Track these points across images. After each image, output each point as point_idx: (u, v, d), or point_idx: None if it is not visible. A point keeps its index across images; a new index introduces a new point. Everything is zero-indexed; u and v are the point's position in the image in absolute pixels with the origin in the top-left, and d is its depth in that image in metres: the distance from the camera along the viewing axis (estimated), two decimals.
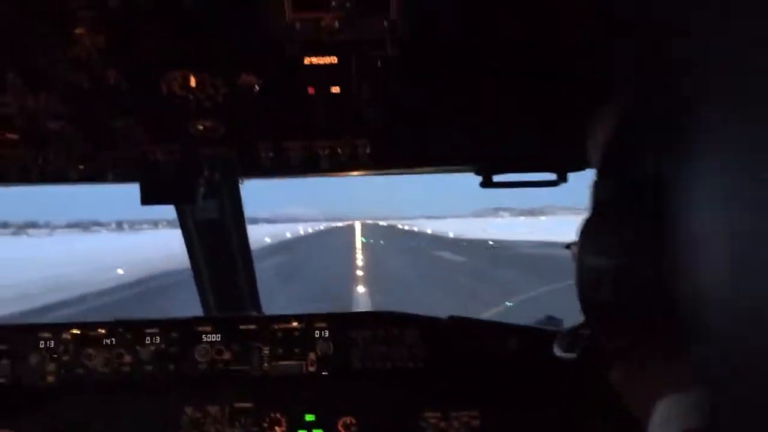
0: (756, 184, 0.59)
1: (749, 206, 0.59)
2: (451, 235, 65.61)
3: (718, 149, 0.66)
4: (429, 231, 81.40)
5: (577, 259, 1.10)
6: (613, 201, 1.07)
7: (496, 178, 2.21)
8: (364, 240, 55.40)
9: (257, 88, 1.77)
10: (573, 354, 1.45)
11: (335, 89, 1.78)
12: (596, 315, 1.08)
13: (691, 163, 0.73)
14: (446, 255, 34.22)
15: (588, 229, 1.09)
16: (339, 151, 2.06)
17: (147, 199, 2.13)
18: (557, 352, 1.43)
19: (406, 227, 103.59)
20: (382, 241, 55.96)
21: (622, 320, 1.03)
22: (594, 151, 1.18)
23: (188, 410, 2.63)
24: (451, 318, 2.72)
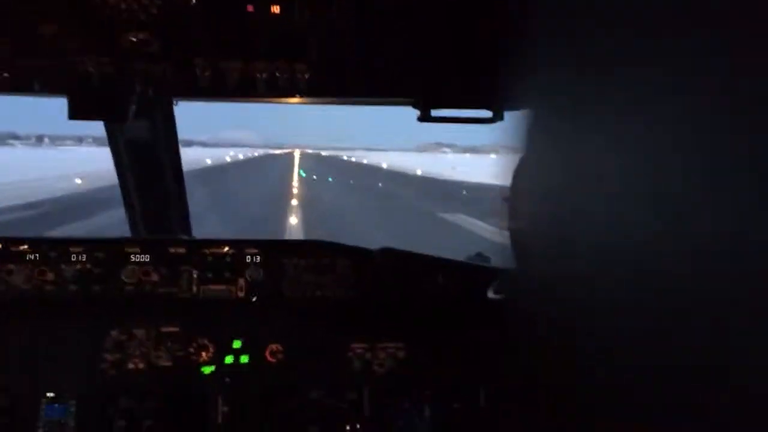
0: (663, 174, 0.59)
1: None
2: (418, 172, 56.05)
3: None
4: (384, 165, 74.40)
5: (510, 193, 1.19)
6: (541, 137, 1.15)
7: (434, 113, 2.24)
8: (302, 174, 47.01)
9: (194, 1, 1.74)
10: (503, 295, 1.55)
11: (275, 9, 1.78)
12: (526, 254, 1.16)
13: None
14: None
15: (521, 164, 1.16)
16: (277, 75, 2.05)
17: (75, 113, 2.09)
18: (490, 294, 1.51)
19: (352, 159, 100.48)
20: (322, 177, 48.55)
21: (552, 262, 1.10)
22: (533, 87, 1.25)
23: (113, 333, 2.63)
24: (383, 250, 2.79)
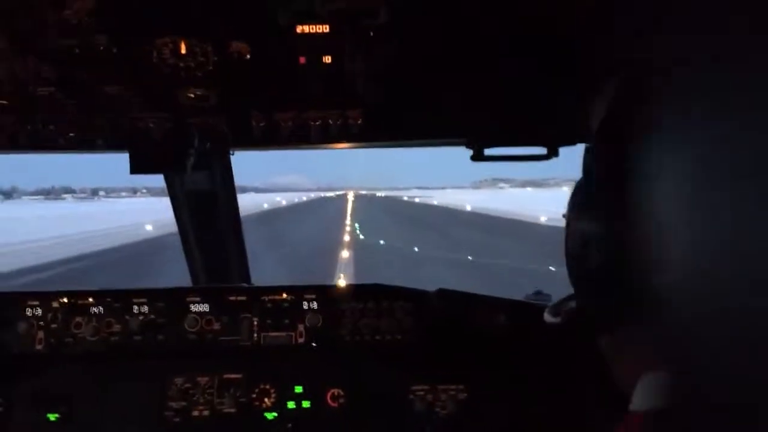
0: (715, 183, 0.62)
1: (705, 204, 0.63)
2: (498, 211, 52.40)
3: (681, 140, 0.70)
4: (435, 202, 75.24)
5: (566, 224, 1.21)
6: (602, 169, 1.20)
7: (487, 152, 2.28)
8: (359, 232, 32.54)
9: (248, 56, 1.86)
10: (558, 319, 1.58)
11: (327, 59, 1.85)
12: (583, 281, 1.18)
13: (654, 151, 0.78)
14: None
15: (577, 195, 1.19)
16: (330, 122, 2.13)
17: (137, 167, 2.20)
18: (546, 318, 1.55)
19: (415, 199, 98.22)
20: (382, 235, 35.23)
21: (606, 287, 1.10)
22: (587, 121, 1.31)
23: (177, 381, 2.75)
24: (440, 291, 2.84)
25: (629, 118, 1.11)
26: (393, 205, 77.50)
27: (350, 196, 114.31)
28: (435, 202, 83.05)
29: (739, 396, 0.60)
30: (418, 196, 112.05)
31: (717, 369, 0.64)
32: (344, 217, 47.01)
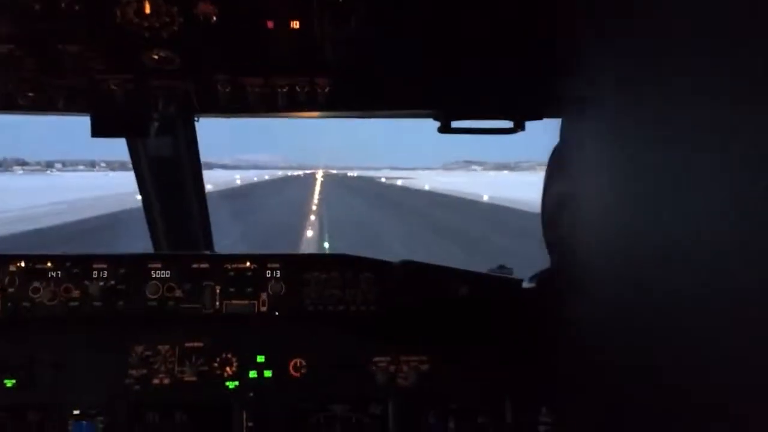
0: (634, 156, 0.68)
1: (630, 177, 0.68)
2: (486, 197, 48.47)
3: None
4: (426, 187, 67.47)
5: (543, 185, 1.31)
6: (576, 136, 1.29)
7: (454, 124, 2.35)
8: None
9: (215, 19, 1.88)
10: (534, 284, 1.66)
11: (295, 24, 1.87)
12: (557, 239, 1.27)
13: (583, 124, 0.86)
14: None
15: (554, 158, 1.29)
16: (297, 89, 2.16)
17: (98, 130, 2.23)
18: (525, 285, 1.60)
19: (397, 182, 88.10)
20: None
21: (571, 243, 1.16)
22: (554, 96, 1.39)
23: (138, 348, 2.79)
24: (404, 262, 2.91)
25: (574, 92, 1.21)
26: (370, 188, 69.70)
27: (319, 176, 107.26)
28: (427, 187, 70.19)
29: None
30: (400, 178, 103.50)
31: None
32: (307, 211, 33.97)
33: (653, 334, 0.64)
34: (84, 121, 2.28)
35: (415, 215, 34.44)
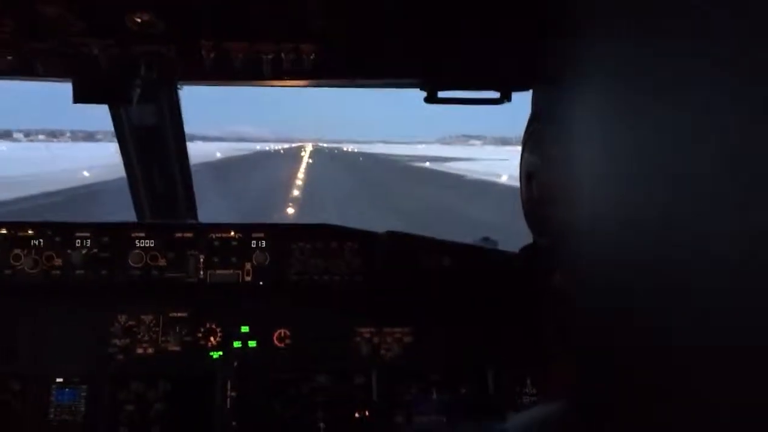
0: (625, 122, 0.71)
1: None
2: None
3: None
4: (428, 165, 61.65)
5: (520, 157, 1.43)
6: (541, 110, 1.37)
7: (441, 94, 2.48)
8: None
9: None
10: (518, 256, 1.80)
11: None
12: (538, 212, 1.38)
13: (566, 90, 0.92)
14: None
15: (528, 132, 1.40)
16: (283, 56, 2.26)
17: (80, 97, 2.34)
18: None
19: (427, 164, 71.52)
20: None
21: (549, 216, 1.28)
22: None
23: (121, 318, 2.96)
24: (389, 233, 3.08)
25: (562, 62, 1.40)
26: (383, 173, 54.74)
27: (306, 153, 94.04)
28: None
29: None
30: (425, 159, 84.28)
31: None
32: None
33: (648, 307, 0.66)
34: (67, 80, 2.37)
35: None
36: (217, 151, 75.85)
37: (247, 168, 53.36)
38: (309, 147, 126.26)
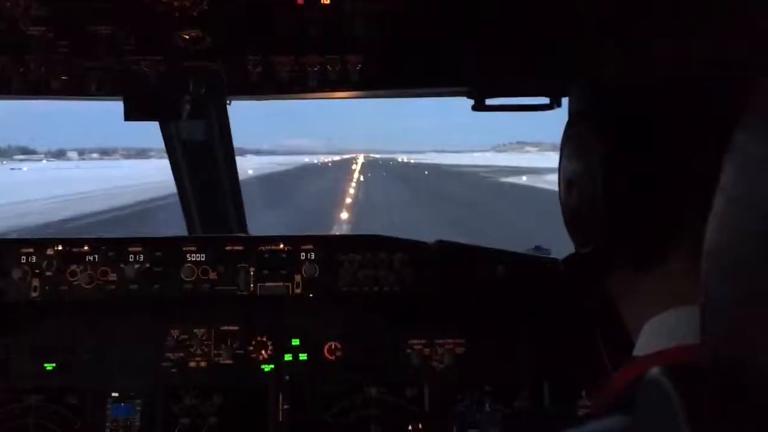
0: None
1: None
2: None
3: None
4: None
5: (558, 163, 1.42)
6: (587, 110, 1.39)
7: (489, 102, 2.48)
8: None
9: None
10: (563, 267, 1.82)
11: (325, 0, 2.02)
12: (568, 219, 1.38)
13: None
14: None
15: (567, 136, 1.39)
16: (328, 68, 2.31)
17: (131, 114, 2.44)
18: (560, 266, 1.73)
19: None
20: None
21: (588, 225, 1.29)
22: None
23: (174, 332, 3.05)
24: (439, 242, 3.10)
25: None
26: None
27: (359, 164, 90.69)
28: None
29: None
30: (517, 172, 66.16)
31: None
32: None
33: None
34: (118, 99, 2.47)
35: None
36: (250, 168, 62.07)
37: (284, 185, 47.34)
38: (360, 159, 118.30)
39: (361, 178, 57.67)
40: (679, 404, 0.64)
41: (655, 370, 0.70)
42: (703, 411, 0.64)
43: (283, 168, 78.32)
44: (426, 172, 69.15)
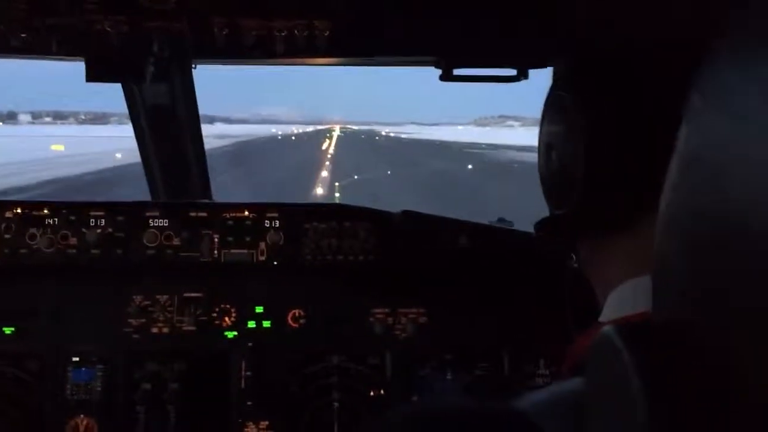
0: None
1: None
2: None
3: None
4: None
5: (539, 128, 1.53)
6: (569, 76, 1.51)
7: (456, 72, 2.55)
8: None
9: None
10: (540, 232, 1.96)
11: None
12: (545, 181, 1.49)
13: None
14: None
15: (549, 102, 1.50)
16: (296, 33, 2.34)
17: (93, 75, 2.47)
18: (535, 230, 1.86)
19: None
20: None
21: (565, 188, 1.39)
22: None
23: (137, 298, 3.13)
24: (405, 212, 3.21)
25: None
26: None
27: (333, 138, 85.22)
28: None
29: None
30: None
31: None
32: None
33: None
34: (80, 59, 2.50)
35: None
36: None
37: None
38: (336, 131, 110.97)
39: (333, 152, 50.23)
40: (629, 359, 0.67)
41: (607, 328, 0.73)
42: (653, 366, 0.66)
43: (238, 140, 66.91)
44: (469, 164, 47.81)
